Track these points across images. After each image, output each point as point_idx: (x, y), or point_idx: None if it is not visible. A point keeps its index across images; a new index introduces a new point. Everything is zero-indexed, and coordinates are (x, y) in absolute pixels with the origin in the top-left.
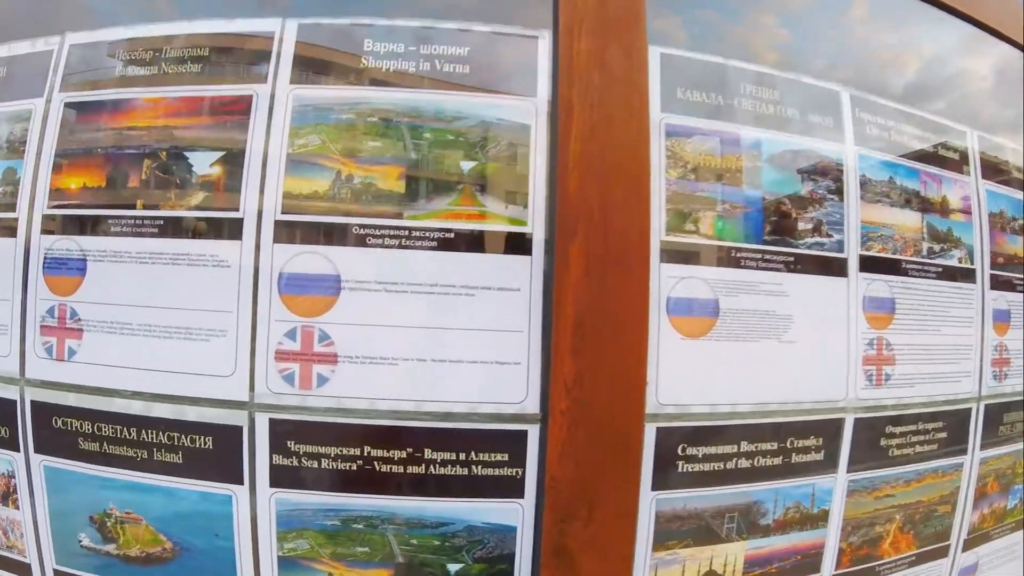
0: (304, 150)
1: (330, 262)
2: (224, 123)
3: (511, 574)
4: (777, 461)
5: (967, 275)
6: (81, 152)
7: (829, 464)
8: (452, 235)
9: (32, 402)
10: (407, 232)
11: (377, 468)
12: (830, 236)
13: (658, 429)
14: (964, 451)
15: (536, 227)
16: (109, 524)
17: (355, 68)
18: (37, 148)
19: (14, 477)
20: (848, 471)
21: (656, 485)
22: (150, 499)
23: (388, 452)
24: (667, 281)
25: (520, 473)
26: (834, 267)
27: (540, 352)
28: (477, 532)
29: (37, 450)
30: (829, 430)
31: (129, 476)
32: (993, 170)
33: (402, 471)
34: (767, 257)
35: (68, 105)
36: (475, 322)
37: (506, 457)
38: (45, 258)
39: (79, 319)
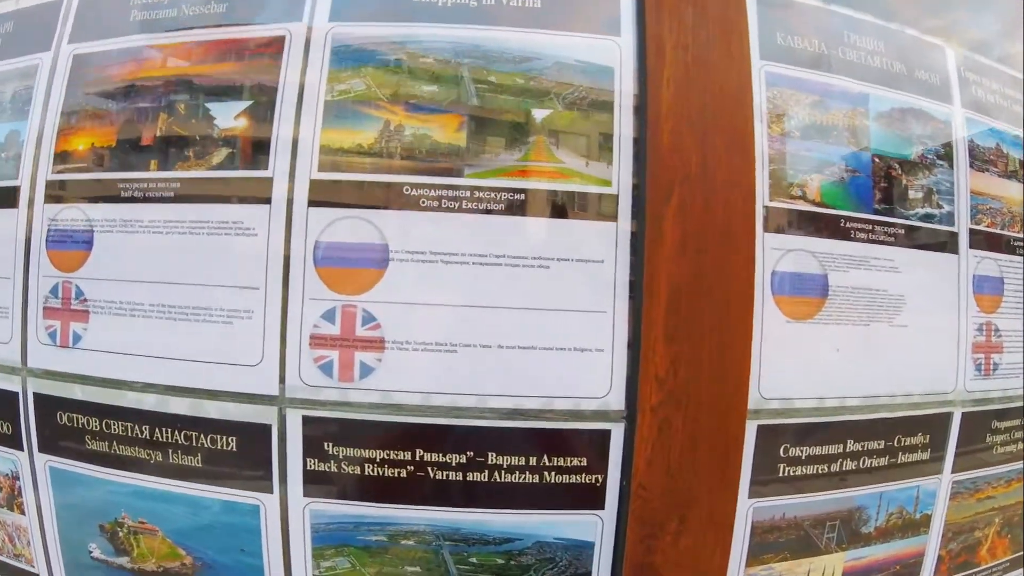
0: (345, 96)
1: (376, 229)
2: (251, 68)
3: None
4: (883, 461)
5: None
6: (90, 109)
7: (935, 463)
8: (522, 196)
9: (35, 395)
10: (468, 193)
11: (431, 474)
12: (940, 207)
13: (759, 427)
14: None
15: (622, 188)
16: (121, 534)
17: (406, 1)
18: (43, 107)
19: (19, 479)
20: (953, 471)
21: (754, 492)
22: (167, 507)
23: (444, 456)
24: (771, 254)
25: (600, 480)
26: (944, 242)
27: (627, 337)
28: (548, 549)
29: (42, 449)
30: (937, 426)
31: (142, 481)
32: None
33: (461, 478)
34: (878, 228)
35: (77, 57)
36: (550, 301)
37: (584, 462)
38: (48, 230)
39: (85, 299)
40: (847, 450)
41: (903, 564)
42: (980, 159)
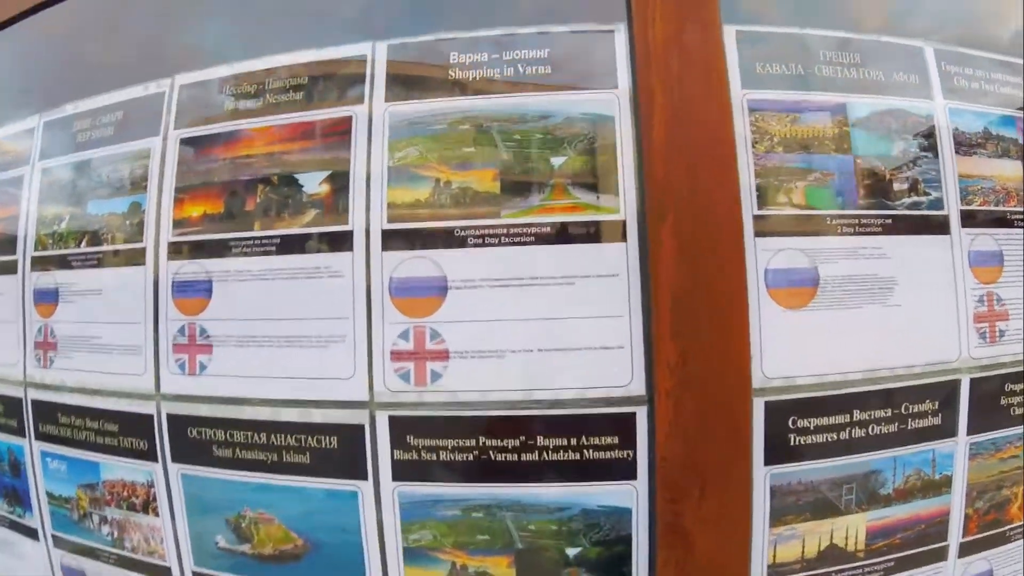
0: (404, 162)
1: (436, 264)
2: (328, 144)
3: (628, 555)
4: (893, 428)
5: None
6: (199, 183)
7: (948, 428)
8: (548, 229)
9: (168, 415)
10: (505, 230)
11: (492, 457)
12: (928, 194)
13: (766, 403)
14: None
15: (628, 214)
16: (244, 525)
17: (444, 80)
18: (158, 182)
19: (153, 486)
20: (969, 434)
21: (769, 460)
22: (281, 499)
23: (502, 441)
24: (763, 255)
25: (631, 455)
26: (935, 225)
27: (642, 335)
28: (593, 515)
29: (174, 460)
30: (944, 392)
31: (261, 479)
32: None
33: (516, 459)
34: (864, 221)
35: (183, 141)
36: (577, 310)
37: (616, 440)
38: (173, 282)
39: (208, 336)
40: (854, 419)
41: (928, 523)
42: (967, 144)
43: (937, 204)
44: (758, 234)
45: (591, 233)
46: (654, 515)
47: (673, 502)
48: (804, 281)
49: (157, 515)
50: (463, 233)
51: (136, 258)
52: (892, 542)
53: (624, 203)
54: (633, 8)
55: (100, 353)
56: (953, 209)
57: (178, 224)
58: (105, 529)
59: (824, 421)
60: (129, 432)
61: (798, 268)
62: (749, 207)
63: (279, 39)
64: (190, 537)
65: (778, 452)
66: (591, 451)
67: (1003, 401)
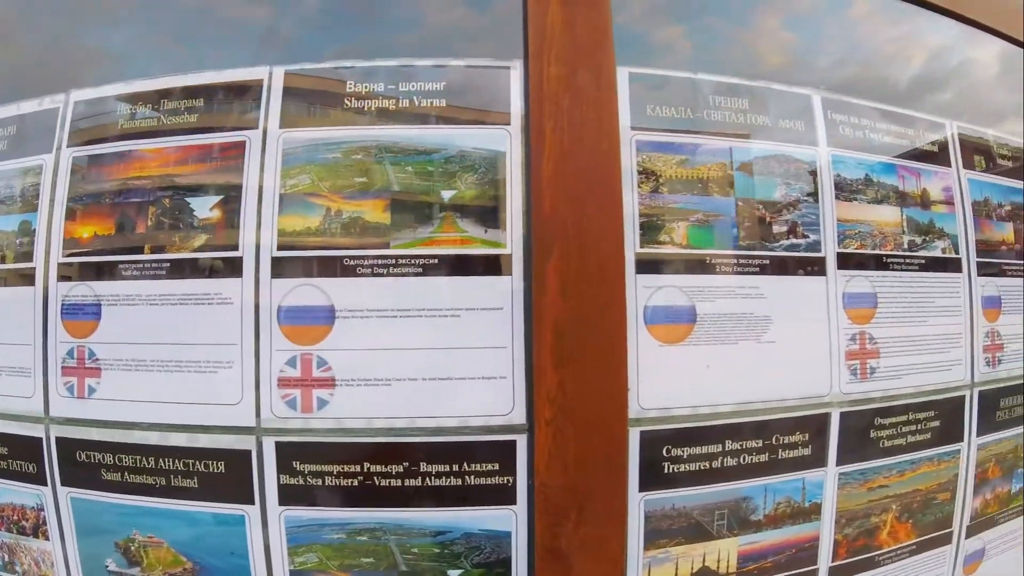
0: (295, 189)
1: (324, 293)
2: (221, 168)
3: None
4: (764, 458)
5: (952, 265)
6: (91, 202)
7: (818, 458)
8: (436, 261)
9: (57, 438)
10: (394, 261)
11: (377, 483)
12: (806, 237)
13: (642, 433)
14: (960, 438)
15: (515, 248)
16: (133, 548)
17: (339, 109)
18: (49, 200)
19: (43, 510)
20: (838, 464)
21: (643, 486)
22: (170, 523)
23: (386, 467)
24: (643, 291)
25: (511, 481)
26: (811, 266)
27: (524, 366)
28: (474, 539)
29: (63, 483)
30: (815, 425)
31: (150, 503)
32: (976, 159)
33: (400, 484)
34: (742, 261)
35: (76, 159)
36: (461, 341)
37: (497, 466)
38: (62, 304)
39: (97, 359)
40: (726, 449)
41: (799, 547)
42: (848, 190)
43: (815, 247)
44: (640, 271)
45: (478, 266)
46: (533, 538)
47: (552, 526)
48: (681, 318)
49: (47, 539)
50: (352, 262)
51: (25, 279)
52: (763, 565)
53: (511, 238)
54: (530, 47)
55: None
56: (830, 252)
57: (69, 243)
58: None
59: (697, 450)
60: (18, 455)
61: (676, 306)
62: (632, 244)
63: (177, 59)
64: (80, 560)
65: (652, 479)
66: (472, 477)
67: (872, 434)
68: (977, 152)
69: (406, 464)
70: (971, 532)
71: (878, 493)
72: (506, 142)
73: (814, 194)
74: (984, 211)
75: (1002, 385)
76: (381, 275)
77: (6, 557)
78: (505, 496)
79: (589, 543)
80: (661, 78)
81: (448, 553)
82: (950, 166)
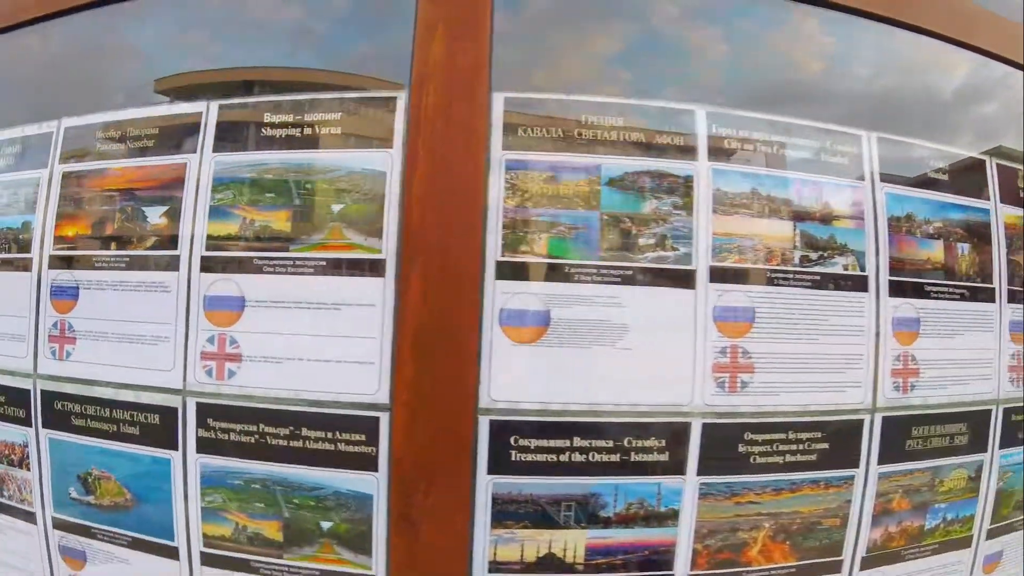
0: (221, 202)
1: (238, 286)
2: (168, 184)
3: (370, 535)
4: (614, 458)
5: (856, 282)
6: (74, 208)
7: (676, 466)
8: (324, 263)
9: (42, 391)
10: (292, 262)
11: (268, 441)
12: (675, 249)
13: (491, 421)
14: (855, 464)
15: (389, 255)
16: (90, 480)
17: (257, 136)
18: (44, 206)
19: (27, 447)
20: (700, 474)
21: (492, 470)
22: (117, 461)
23: (276, 429)
24: (501, 296)
25: (375, 451)
26: (678, 279)
27: (390, 355)
28: (343, 497)
29: (44, 426)
30: (671, 432)
31: (104, 444)
32: (897, 173)
33: (286, 444)
34: (602, 271)
35: (65, 173)
36: (341, 331)
37: (364, 437)
38: (51, 287)
39: (74, 330)
40: (574, 445)
41: (652, 550)
42: (728, 204)
43: (685, 259)
44: (499, 277)
45: (357, 269)
46: (390, 503)
47: (404, 495)
48: (535, 321)
49: (29, 470)
50: (260, 262)
51: (25, 266)
52: (613, 562)
53: (387, 246)
54: (414, 78)
55: None
56: (702, 265)
57: (58, 240)
58: None
59: (544, 443)
60: (12, 403)
61: (531, 310)
62: (494, 253)
63: (139, 94)
64: (52, 488)
65: (501, 464)
66: (343, 444)
67: (742, 448)
68: (904, 165)
69: (291, 428)
70: (867, 564)
71: (748, 509)
72: (388, 163)
73: (687, 208)
74: (906, 227)
75: (915, 413)
76: (282, 273)
77: None
78: (369, 463)
79: (436, 514)
80: (536, 101)
81: (321, 507)
82: (863, 179)
